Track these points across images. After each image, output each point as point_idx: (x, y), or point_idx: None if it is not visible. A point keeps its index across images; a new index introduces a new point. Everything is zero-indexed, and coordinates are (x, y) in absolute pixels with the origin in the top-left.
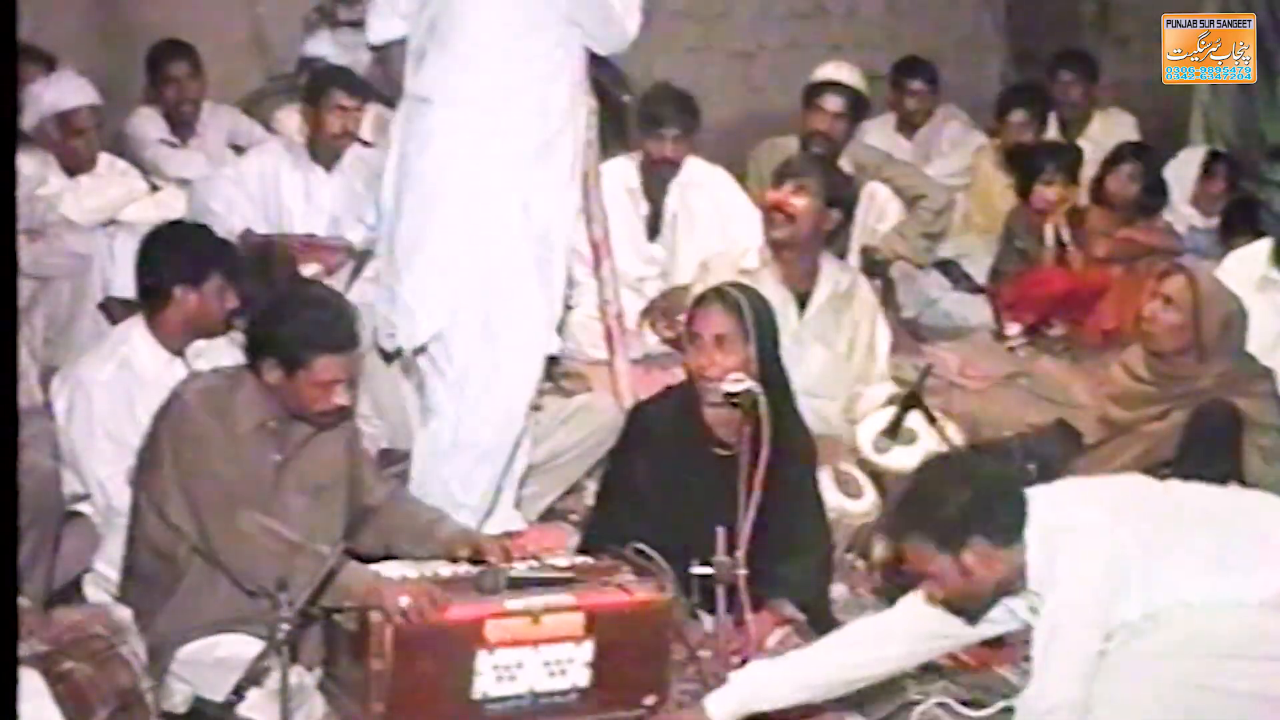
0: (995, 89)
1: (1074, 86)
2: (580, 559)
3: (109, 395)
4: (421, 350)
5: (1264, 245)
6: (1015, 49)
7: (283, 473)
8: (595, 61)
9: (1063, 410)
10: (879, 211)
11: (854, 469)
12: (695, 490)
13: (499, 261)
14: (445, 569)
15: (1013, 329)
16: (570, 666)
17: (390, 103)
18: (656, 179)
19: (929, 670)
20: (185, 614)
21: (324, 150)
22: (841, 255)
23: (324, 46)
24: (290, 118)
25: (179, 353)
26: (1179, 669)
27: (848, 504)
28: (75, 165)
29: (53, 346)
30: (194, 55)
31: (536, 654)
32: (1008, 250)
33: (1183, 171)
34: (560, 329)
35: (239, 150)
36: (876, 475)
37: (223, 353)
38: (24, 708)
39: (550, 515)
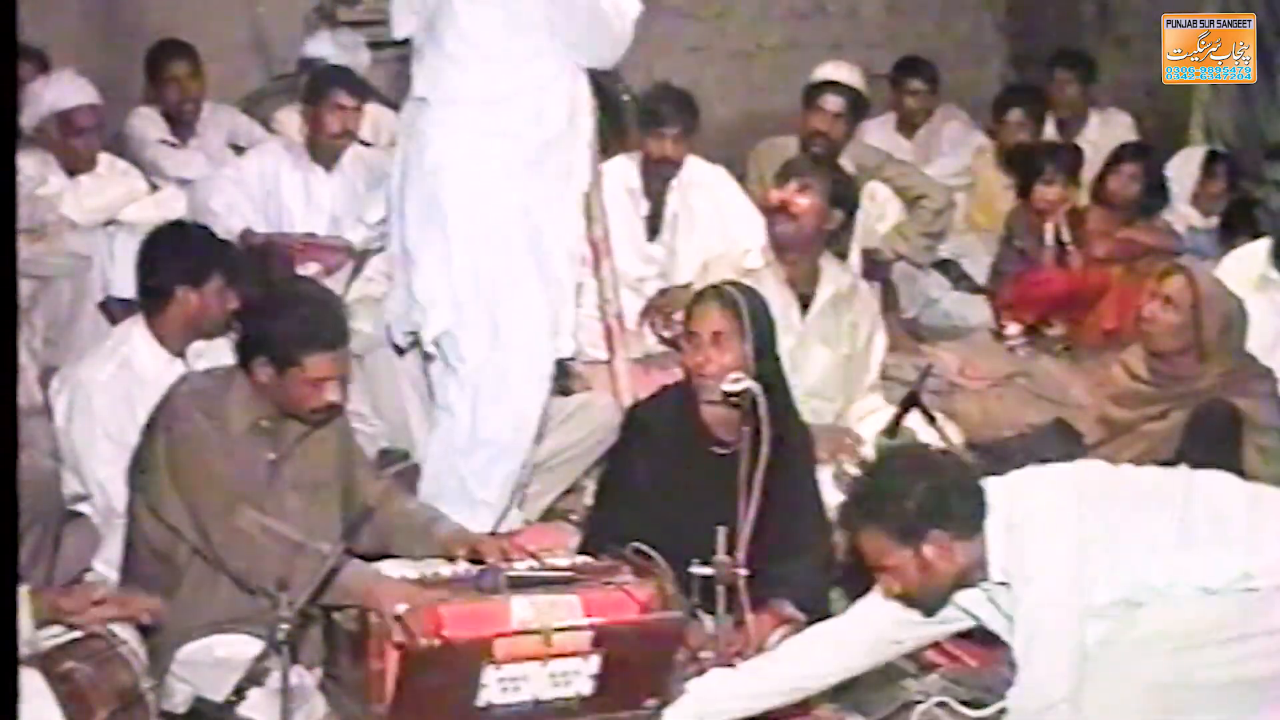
0: (995, 89)
1: (1070, 86)
2: (580, 559)
3: (109, 395)
4: (434, 347)
5: (1263, 245)
6: (1015, 49)
7: (277, 471)
8: None
9: (1063, 410)
10: (879, 211)
11: (854, 468)
12: (693, 489)
13: (499, 261)
14: (445, 569)
15: (1012, 329)
16: (576, 678)
17: (390, 103)
18: (657, 178)
19: (929, 670)
20: (185, 614)
21: (324, 150)
22: (842, 256)
23: (324, 46)
24: (290, 118)
25: (180, 353)
26: (1151, 669)
27: None
28: (75, 165)
29: (53, 346)
30: (194, 55)
31: (543, 668)
32: (1008, 250)
33: (1183, 171)
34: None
35: (239, 150)
36: None
37: (223, 353)
38: (24, 708)
39: (550, 515)
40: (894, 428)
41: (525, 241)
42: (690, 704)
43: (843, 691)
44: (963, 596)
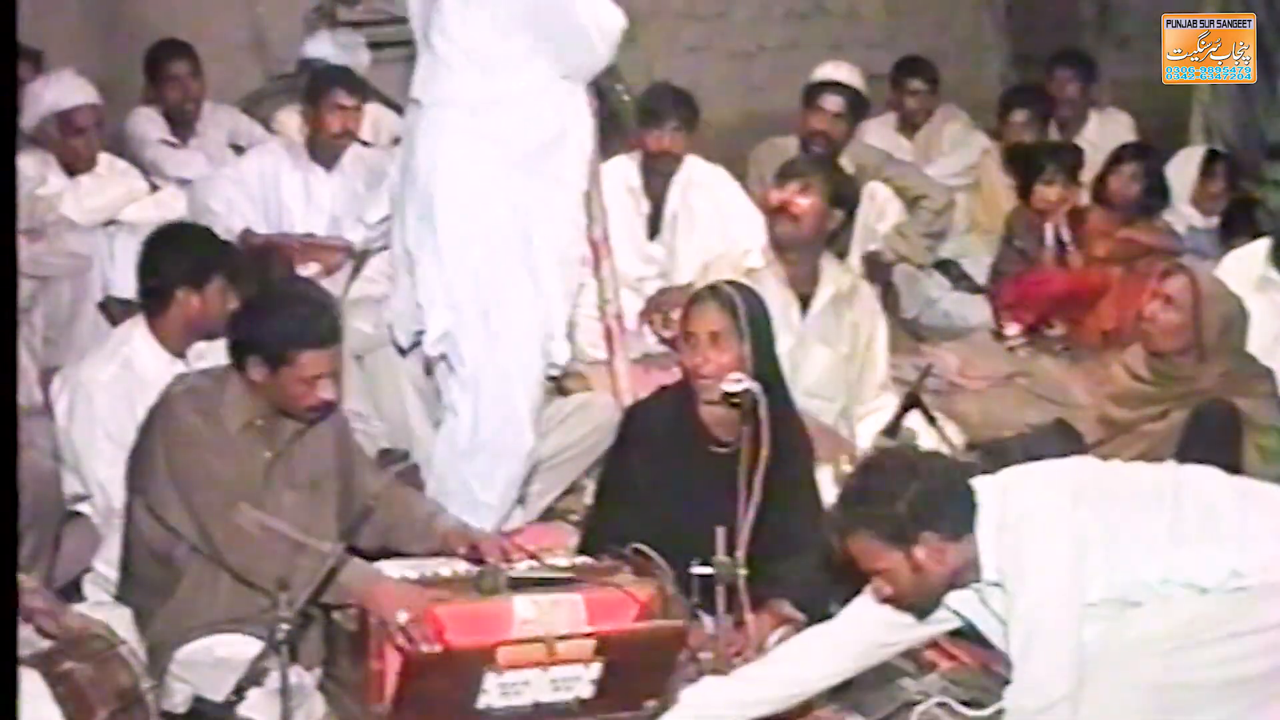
0: (995, 89)
1: (1070, 86)
2: (580, 559)
3: (110, 396)
4: (437, 348)
5: (1263, 245)
6: (1015, 49)
7: (274, 469)
8: None
9: (1063, 410)
10: (879, 211)
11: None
12: (692, 489)
13: (491, 264)
14: (445, 568)
15: (1012, 329)
16: (577, 684)
17: (391, 103)
18: (657, 176)
19: (928, 670)
20: (185, 614)
21: (324, 150)
22: (841, 256)
23: (324, 47)
24: (290, 118)
25: (180, 354)
26: (1146, 670)
27: None
28: (75, 165)
29: (53, 346)
30: (194, 55)
31: (545, 674)
32: (1008, 250)
33: (1182, 171)
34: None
35: (239, 150)
36: None
37: (224, 354)
38: (24, 708)
39: (550, 514)
40: (894, 428)
41: (516, 245)
42: (684, 713)
43: (842, 691)
44: (954, 597)
